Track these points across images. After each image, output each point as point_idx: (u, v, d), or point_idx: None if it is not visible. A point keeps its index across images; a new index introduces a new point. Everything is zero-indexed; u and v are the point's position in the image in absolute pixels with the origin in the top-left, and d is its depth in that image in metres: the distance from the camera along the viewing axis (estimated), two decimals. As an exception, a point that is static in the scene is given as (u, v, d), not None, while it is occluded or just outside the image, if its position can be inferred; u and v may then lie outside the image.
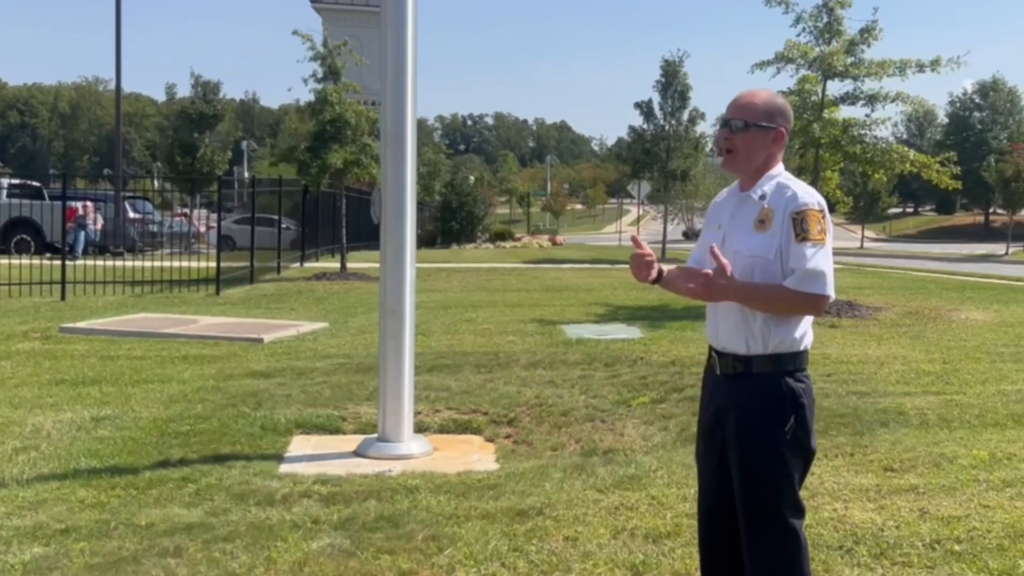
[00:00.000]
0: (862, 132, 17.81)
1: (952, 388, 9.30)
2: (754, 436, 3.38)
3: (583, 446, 7.16)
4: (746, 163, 3.47)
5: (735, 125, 3.44)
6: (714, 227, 3.59)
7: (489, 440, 7.46)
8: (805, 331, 3.44)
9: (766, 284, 3.33)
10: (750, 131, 3.44)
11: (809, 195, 3.37)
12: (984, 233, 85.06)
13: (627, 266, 4.04)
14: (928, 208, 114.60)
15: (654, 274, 3.57)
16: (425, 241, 46.26)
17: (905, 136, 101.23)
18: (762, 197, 3.41)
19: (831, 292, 3.33)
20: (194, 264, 21.13)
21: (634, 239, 3.71)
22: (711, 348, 3.59)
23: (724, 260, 3.28)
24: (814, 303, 3.33)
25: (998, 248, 59.67)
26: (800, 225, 3.31)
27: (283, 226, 26.10)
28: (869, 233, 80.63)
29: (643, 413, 8.16)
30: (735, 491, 3.45)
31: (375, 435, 7.12)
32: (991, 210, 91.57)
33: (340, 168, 22.17)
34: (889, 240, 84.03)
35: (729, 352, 3.46)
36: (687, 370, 9.87)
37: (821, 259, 3.30)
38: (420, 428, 7.53)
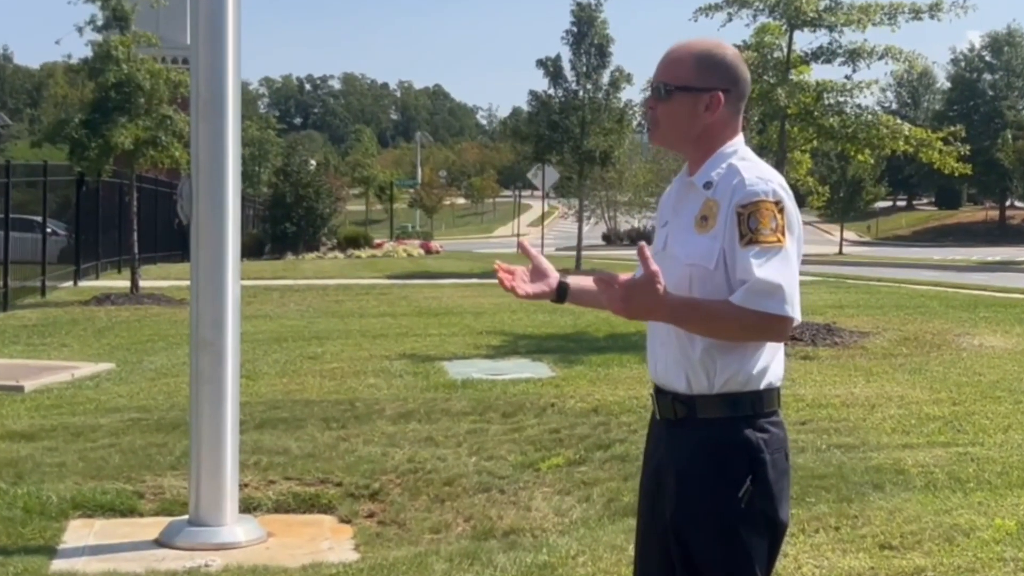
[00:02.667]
0: (840, 100, 18.15)
1: (966, 437, 9.52)
2: (696, 506, 3.38)
3: (475, 525, 7.18)
4: (670, 138, 3.55)
5: (660, 89, 3.49)
6: (661, 225, 3.64)
7: (345, 521, 7.46)
8: (768, 363, 3.44)
9: (708, 301, 3.34)
10: (673, 96, 3.48)
11: (761, 181, 3.38)
12: (999, 233, 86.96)
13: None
14: (925, 201, 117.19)
15: (552, 284, 3.64)
16: (249, 250, 45.82)
17: (895, 106, 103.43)
18: (707, 185, 3.44)
19: (791, 311, 3.30)
20: (-78, 285, 20.62)
21: (522, 245, 3.78)
22: (653, 386, 3.61)
23: (654, 266, 3.23)
24: (770, 326, 3.32)
25: (1018, 253, 60.28)
26: (746, 223, 3.32)
27: (49, 231, 25.61)
28: (849, 234, 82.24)
29: (556, 479, 8.19)
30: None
31: (185, 517, 7.05)
32: (1007, 203, 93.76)
33: (130, 149, 21.88)
34: (876, 243, 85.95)
35: (669, 390, 3.48)
36: (615, 419, 9.95)
37: (775, 267, 3.28)
38: (248, 506, 7.48)
